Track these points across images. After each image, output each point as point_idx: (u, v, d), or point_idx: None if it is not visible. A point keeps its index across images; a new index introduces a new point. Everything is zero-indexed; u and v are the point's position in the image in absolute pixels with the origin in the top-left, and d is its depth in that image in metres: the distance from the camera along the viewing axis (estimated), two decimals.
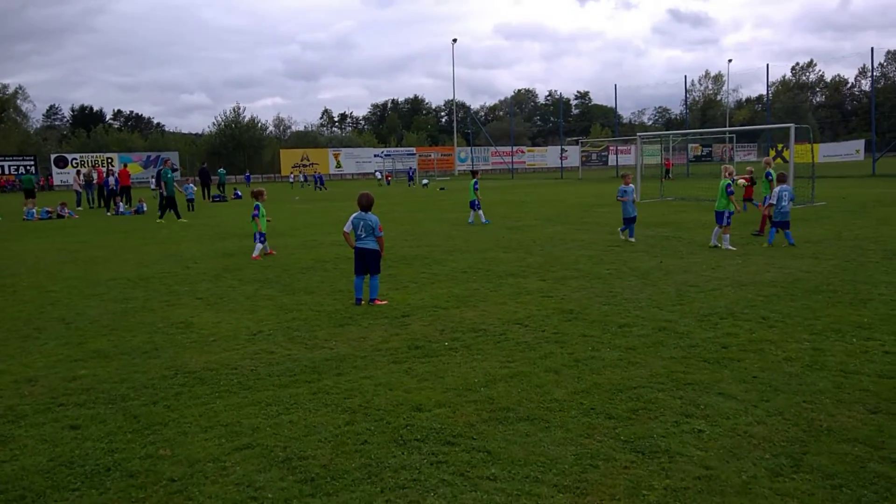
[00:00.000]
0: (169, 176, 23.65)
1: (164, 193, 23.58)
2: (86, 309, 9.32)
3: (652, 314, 8.03)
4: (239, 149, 79.86)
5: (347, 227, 9.12)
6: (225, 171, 44.35)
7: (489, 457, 4.36)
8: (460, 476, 4.12)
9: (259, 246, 13.87)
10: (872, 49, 44.82)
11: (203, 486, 4.09)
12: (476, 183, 19.76)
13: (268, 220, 14.32)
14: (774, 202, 13.36)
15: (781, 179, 13.95)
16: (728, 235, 13.19)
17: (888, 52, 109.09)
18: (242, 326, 8.07)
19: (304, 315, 8.55)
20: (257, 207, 13.91)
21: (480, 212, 19.61)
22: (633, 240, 14.43)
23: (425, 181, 52.15)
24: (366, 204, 9.09)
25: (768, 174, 15.96)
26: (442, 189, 43.83)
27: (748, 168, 19.61)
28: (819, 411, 4.94)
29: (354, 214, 9.10)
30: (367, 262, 9.01)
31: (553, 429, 4.77)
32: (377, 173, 67.15)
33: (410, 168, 61.22)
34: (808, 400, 5.17)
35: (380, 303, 8.98)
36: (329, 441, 4.68)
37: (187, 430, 4.94)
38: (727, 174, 13.43)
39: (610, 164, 78.30)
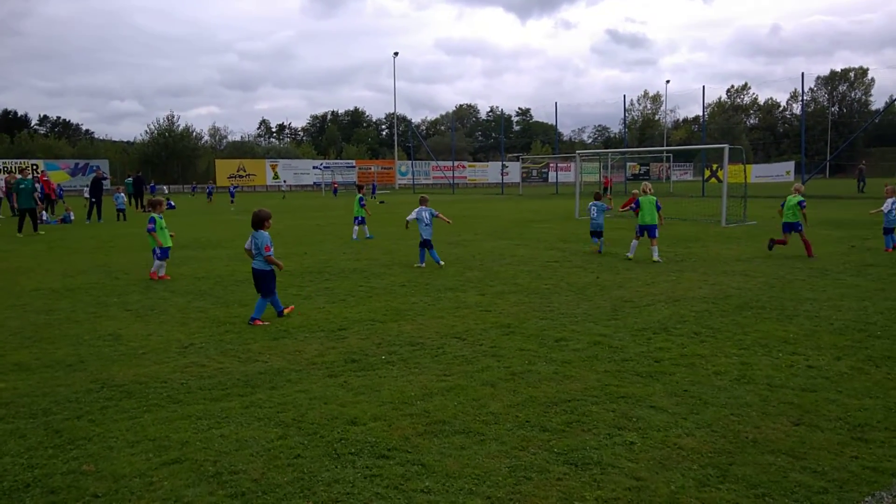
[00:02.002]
0: (21, 187, 21.86)
1: (16, 206, 22.55)
2: (6, 320, 8.94)
3: (587, 328, 8.15)
4: (172, 158, 77.97)
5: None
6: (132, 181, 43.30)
7: (424, 470, 4.34)
8: (394, 489, 4.08)
9: (157, 262, 12.24)
10: (803, 74, 46.78)
11: (128, 502, 3.96)
12: (362, 199, 19.36)
13: (171, 235, 12.68)
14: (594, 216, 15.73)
15: (597, 198, 15.88)
16: (656, 247, 14.09)
17: (818, 77, 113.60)
18: (173, 339, 7.86)
19: (238, 328, 8.39)
20: (153, 220, 12.21)
21: (365, 227, 19.38)
22: (441, 264, 13.39)
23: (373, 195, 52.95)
24: (254, 221, 8.76)
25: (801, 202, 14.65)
26: (382, 203, 43.71)
27: (634, 191, 21.21)
28: (745, 423, 5.08)
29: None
30: (257, 282, 8.78)
31: (488, 441, 4.78)
32: (282, 186, 68.29)
33: (373, 183, 61.77)
34: (736, 413, 5.32)
35: (259, 324, 8.48)
36: (261, 455, 4.58)
37: (113, 445, 4.77)
38: (648, 191, 14.35)
39: (550, 180, 79.47)
